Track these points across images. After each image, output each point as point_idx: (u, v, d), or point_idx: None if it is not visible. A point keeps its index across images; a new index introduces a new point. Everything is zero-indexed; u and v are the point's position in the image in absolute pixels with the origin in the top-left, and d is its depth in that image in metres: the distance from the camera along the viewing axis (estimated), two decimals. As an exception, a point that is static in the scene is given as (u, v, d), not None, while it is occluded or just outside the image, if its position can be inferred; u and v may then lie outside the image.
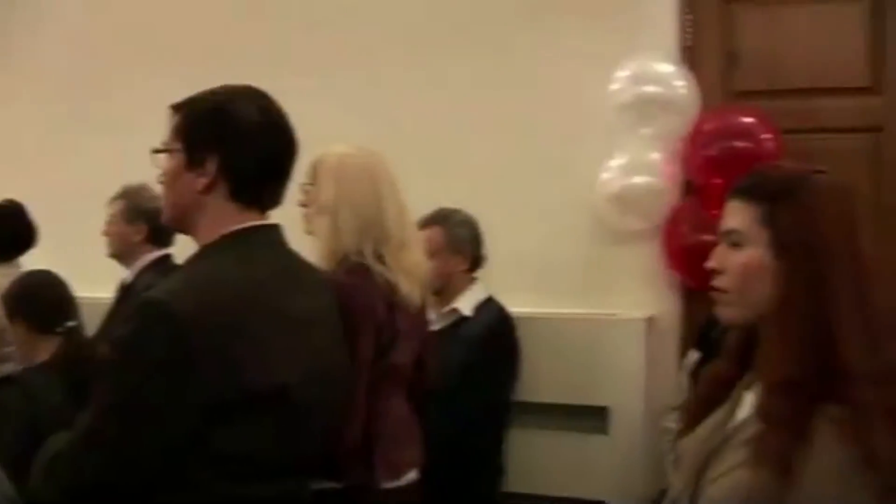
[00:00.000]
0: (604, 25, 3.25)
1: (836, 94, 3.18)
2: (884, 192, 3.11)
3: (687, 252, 2.94)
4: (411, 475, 2.29)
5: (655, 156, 3.06)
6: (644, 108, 3.01)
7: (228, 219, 1.64)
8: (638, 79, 3.02)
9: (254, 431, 1.53)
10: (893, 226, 3.04)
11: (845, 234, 1.38)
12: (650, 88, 3.01)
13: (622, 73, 3.04)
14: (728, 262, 1.45)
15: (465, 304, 2.98)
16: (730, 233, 1.46)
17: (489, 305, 3.02)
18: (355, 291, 2.07)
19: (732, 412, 1.49)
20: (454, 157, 3.38)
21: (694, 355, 2.74)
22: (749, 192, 1.45)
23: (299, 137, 1.70)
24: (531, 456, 3.06)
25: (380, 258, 2.18)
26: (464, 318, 2.96)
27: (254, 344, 1.53)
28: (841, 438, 1.24)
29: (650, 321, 3.13)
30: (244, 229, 1.64)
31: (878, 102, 3.14)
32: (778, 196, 1.40)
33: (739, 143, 2.91)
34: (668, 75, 3.04)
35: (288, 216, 1.83)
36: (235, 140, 1.62)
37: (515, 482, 3.03)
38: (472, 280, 3.04)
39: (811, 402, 1.29)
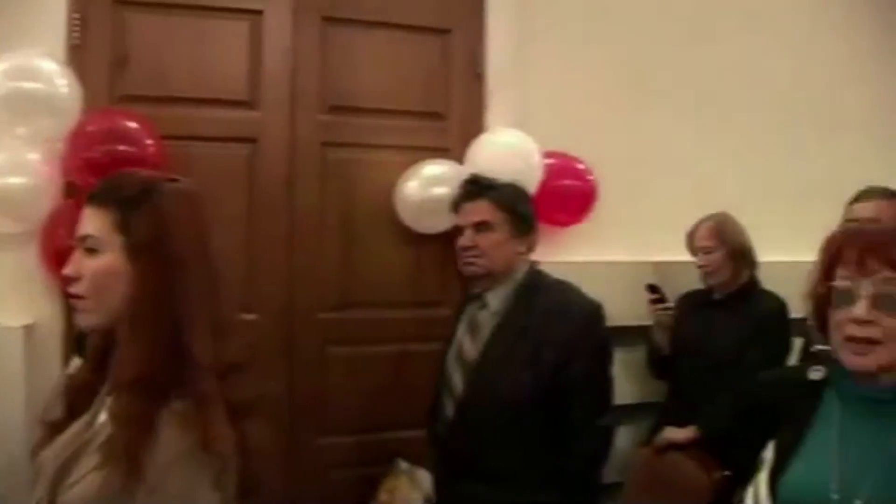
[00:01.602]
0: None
1: (217, 105, 3.31)
2: (255, 196, 3.34)
3: (65, 255, 2.81)
4: None
5: (34, 156, 2.90)
6: (22, 105, 2.82)
7: None
8: (15, 74, 2.81)
9: None
10: (265, 225, 3.34)
11: (196, 238, 1.47)
12: (29, 85, 2.82)
13: (-1, 68, 2.82)
14: (84, 268, 1.47)
15: None
16: (85, 238, 1.47)
17: None
18: None
19: (94, 418, 1.49)
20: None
21: (76, 362, 2.67)
22: (103, 198, 1.47)
23: None
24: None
25: None
26: None
27: None
28: (184, 428, 1.32)
29: (29, 329, 2.96)
30: None
31: (255, 116, 3.36)
32: (131, 202, 1.45)
33: (121, 147, 2.88)
34: (49, 73, 2.87)
35: None
36: None
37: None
38: None
39: (159, 398, 1.35)
